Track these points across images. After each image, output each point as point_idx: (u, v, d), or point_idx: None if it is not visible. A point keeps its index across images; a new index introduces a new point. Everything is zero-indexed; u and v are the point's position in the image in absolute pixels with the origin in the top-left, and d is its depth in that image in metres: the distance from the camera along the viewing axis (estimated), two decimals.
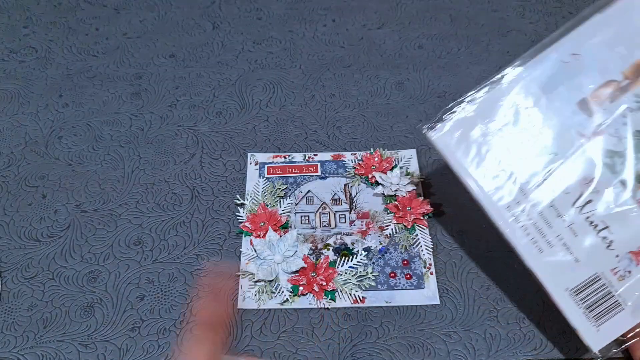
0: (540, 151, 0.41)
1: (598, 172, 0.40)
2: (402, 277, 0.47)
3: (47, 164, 0.55)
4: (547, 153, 0.41)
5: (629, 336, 0.40)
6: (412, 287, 0.47)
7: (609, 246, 0.40)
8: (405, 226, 0.50)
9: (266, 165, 0.55)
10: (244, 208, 0.52)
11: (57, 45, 0.67)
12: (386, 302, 0.46)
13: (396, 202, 0.51)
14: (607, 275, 0.39)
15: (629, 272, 0.39)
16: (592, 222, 0.40)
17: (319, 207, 0.52)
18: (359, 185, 0.53)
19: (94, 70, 0.64)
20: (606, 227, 0.40)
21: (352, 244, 0.49)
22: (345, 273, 0.47)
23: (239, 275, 0.48)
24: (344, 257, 0.48)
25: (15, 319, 0.45)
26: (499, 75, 0.42)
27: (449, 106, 0.42)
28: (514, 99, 0.42)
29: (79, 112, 0.60)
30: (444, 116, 0.42)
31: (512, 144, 0.41)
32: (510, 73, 0.42)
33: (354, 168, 0.54)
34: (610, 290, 0.39)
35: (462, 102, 0.42)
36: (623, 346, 0.40)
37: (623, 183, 0.40)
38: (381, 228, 0.50)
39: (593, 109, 0.41)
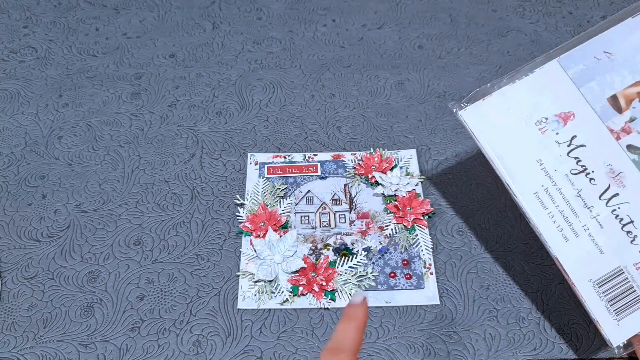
0: (569, 141, 0.42)
1: (625, 167, 0.41)
2: (402, 277, 0.47)
3: (47, 164, 0.55)
4: (577, 144, 0.42)
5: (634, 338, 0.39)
6: (412, 287, 0.47)
7: (633, 241, 0.40)
8: (405, 226, 0.50)
9: (266, 165, 0.55)
10: (243, 208, 0.52)
11: (57, 45, 0.67)
12: (386, 302, 0.46)
13: (396, 202, 0.51)
14: (630, 269, 0.40)
15: None
16: (617, 216, 0.41)
17: (319, 207, 0.52)
18: (358, 185, 0.53)
19: (94, 70, 0.64)
20: (631, 222, 0.40)
21: (352, 244, 0.49)
22: (345, 273, 0.47)
23: (238, 275, 0.48)
24: (343, 257, 0.48)
25: (15, 319, 0.45)
26: (532, 64, 0.43)
27: (482, 87, 0.43)
28: (546, 88, 0.43)
29: (78, 112, 0.60)
30: (475, 97, 0.43)
31: (542, 132, 0.42)
32: (544, 63, 0.43)
33: (354, 168, 0.54)
34: (632, 285, 0.40)
35: (494, 86, 0.43)
36: (630, 349, 0.40)
37: None
38: (381, 228, 0.50)
39: (623, 106, 0.42)
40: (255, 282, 0.47)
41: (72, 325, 0.45)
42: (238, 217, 0.51)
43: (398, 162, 0.55)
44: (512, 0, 0.72)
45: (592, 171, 0.41)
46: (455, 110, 0.43)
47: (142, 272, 0.48)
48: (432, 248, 0.49)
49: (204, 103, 0.61)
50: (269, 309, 0.46)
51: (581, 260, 0.40)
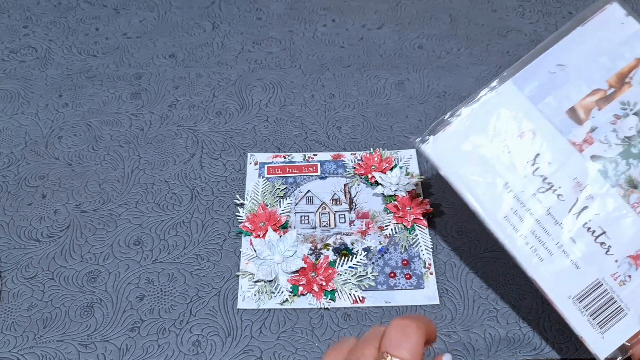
0: (533, 160, 0.42)
1: (591, 178, 0.41)
2: (402, 277, 0.47)
3: (47, 164, 0.55)
4: (541, 162, 0.41)
5: (634, 342, 0.39)
6: (412, 287, 0.47)
7: (607, 251, 0.40)
8: (404, 226, 0.50)
9: (266, 165, 0.55)
10: (243, 208, 0.52)
11: (57, 45, 0.67)
12: (386, 302, 0.46)
13: (396, 202, 0.51)
14: (608, 280, 0.39)
15: (629, 276, 0.39)
16: (589, 229, 0.40)
17: (319, 207, 0.52)
18: (358, 185, 0.53)
19: (94, 70, 0.64)
20: (603, 233, 0.40)
21: (352, 244, 0.49)
22: (345, 273, 0.47)
23: (237, 275, 0.48)
24: (343, 257, 0.48)
25: (15, 319, 0.45)
26: (487, 88, 0.43)
27: (440, 119, 0.43)
28: (504, 110, 0.42)
29: (78, 112, 0.60)
30: (436, 128, 0.43)
31: (505, 155, 0.42)
32: (499, 85, 0.43)
33: (354, 168, 0.54)
34: (612, 296, 0.39)
35: (453, 115, 0.43)
36: (628, 353, 0.40)
37: (615, 188, 0.40)
38: (381, 228, 0.50)
39: (582, 117, 0.42)
40: (255, 282, 0.47)
41: (72, 325, 0.45)
42: (238, 217, 0.51)
43: (398, 162, 0.55)
44: (512, 0, 0.72)
45: (559, 187, 0.41)
46: (417, 144, 0.43)
47: (142, 272, 0.48)
48: (432, 248, 0.49)
49: (204, 103, 0.61)
50: (269, 309, 0.46)
51: (558, 278, 0.40)
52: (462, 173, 0.42)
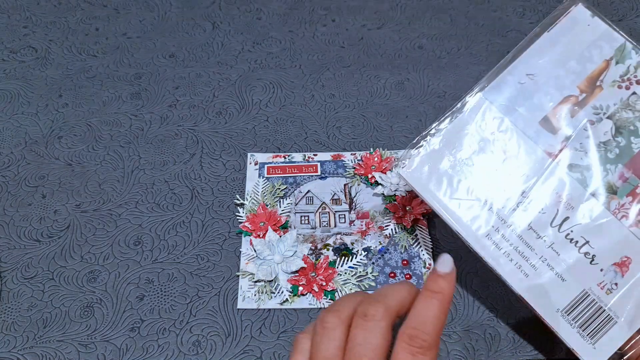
0: (511, 175, 0.41)
1: (569, 188, 0.40)
2: (402, 277, 0.47)
3: (47, 164, 0.55)
4: (518, 175, 0.41)
5: (626, 348, 0.39)
6: None
7: (592, 261, 0.39)
8: (404, 226, 0.50)
9: (266, 165, 0.55)
10: (243, 208, 0.52)
11: (57, 45, 0.67)
12: None
13: (396, 202, 0.51)
14: (595, 290, 0.39)
15: (616, 284, 0.39)
16: (572, 239, 0.40)
17: (319, 207, 0.52)
18: (358, 185, 0.53)
19: (94, 70, 0.64)
20: (586, 242, 0.39)
21: (352, 244, 0.49)
22: (345, 273, 0.47)
23: (237, 275, 0.48)
24: (343, 257, 0.48)
25: (15, 319, 0.45)
26: (459, 105, 0.42)
27: (414, 141, 0.43)
28: (477, 125, 0.42)
29: (78, 112, 0.60)
30: (411, 152, 0.42)
31: (483, 171, 0.41)
32: (470, 100, 0.42)
33: (354, 168, 0.54)
34: (600, 305, 0.39)
35: (426, 135, 0.42)
36: (624, 358, 0.40)
37: (595, 196, 0.40)
38: (381, 228, 0.50)
39: (556, 126, 0.41)
40: (255, 282, 0.47)
41: (72, 325, 0.45)
42: (238, 217, 0.51)
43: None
44: (512, 0, 0.72)
45: (539, 200, 0.40)
46: (396, 170, 0.42)
47: (142, 272, 0.48)
48: (432, 248, 0.49)
49: (204, 103, 0.61)
50: (269, 309, 0.46)
51: (545, 292, 0.39)
52: (440, 194, 0.41)
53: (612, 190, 0.40)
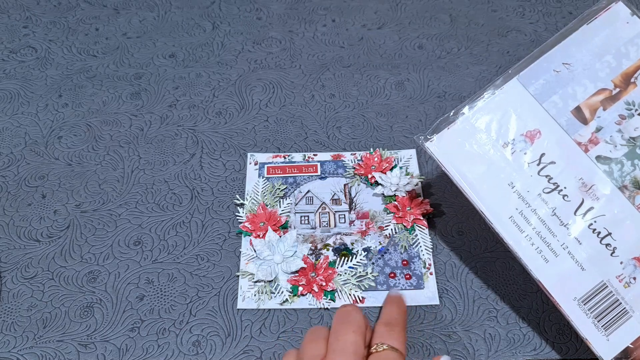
0: (538, 160, 0.41)
1: (596, 179, 0.40)
2: (402, 277, 0.47)
3: (47, 164, 0.55)
4: (545, 161, 0.41)
5: (637, 344, 0.39)
6: (412, 288, 0.47)
7: (612, 253, 0.40)
8: (404, 226, 0.50)
9: (266, 165, 0.55)
10: (243, 208, 0.52)
11: (57, 45, 0.67)
12: None
13: (396, 202, 0.51)
14: (614, 282, 0.39)
15: (634, 278, 0.39)
16: (594, 230, 0.40)
17: (319, 207, 0.52)
18: (358, 185, 0.53)
19: (94, 70, 0.64)
20: (609, 234, 0.40)
21: (352, 244, 0.49)
22: (345, 273, 0.47)
23: (237, 275, 0.48)
24: (343, 257, 0.48)
25: (15, 319, 0.45)
26: (492, 87, 0.43)
27: (445, 117, 0.43)
28: (509, 109, 0.42)
29: (78, 112, 0.60)
30: (440, 127, 0.43)
31: (510, 154, 0.42)
32: (505, 83, 0.43)
33: (354, 168, 0.54)
34: (617, 298, 0.39)
35: (457, 113, 0.43)
36: (632, 356, 0.40)
37: (621, 189, 0.40)
38: (381, 228, 0.50)
39: (587, 117, 0.42)
40: (255, 282, 0.47)
41: (71, 325, 0.45)
42: (238, 217, 0.51)
43: (398, 162, 0.55)
44: (512, 0, 0.71)
45: (565, 187, 0.41)
46: (421, 142, 0.43)
47: (142, 272, 0.48)
48: (431, 248, 0.49)
49: (204, 103, 0.61)
50: (269, 309, 0.46)
51: (563, 280, 0.40)
52: (467, 172, 0.42)
53: (638, 186, 0.40)
